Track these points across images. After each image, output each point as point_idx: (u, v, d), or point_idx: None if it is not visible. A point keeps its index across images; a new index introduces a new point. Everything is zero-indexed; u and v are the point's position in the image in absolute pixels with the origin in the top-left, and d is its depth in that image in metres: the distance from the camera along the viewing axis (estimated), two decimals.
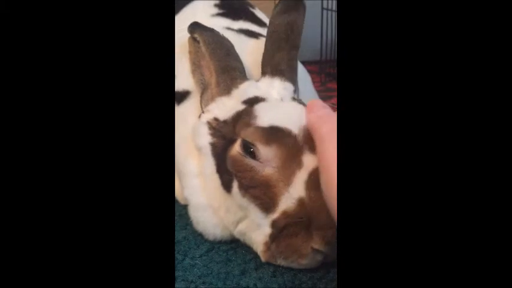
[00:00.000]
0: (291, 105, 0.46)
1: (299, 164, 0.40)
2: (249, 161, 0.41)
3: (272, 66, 0.48)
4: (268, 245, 0.41)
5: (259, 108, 0.44)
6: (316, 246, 0.39)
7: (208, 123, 0.46)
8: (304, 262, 0.40)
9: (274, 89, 0.47)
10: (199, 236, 0.48)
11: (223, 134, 0.44)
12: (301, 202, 0.39)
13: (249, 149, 0.41)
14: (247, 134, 0.42)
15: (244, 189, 0.41)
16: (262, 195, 0.40)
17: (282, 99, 0.46)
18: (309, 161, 0.40)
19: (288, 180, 0.40)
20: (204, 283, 0.41)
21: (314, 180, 0.38)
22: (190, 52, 0.52)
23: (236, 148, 0.42)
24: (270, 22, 0.51)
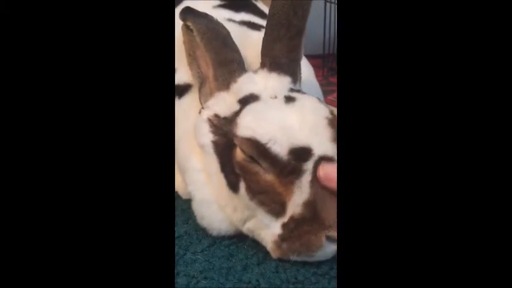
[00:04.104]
0: (279, 108, 0.42)
1: (298, 173, 0.39)
2: (254, 166, 0.40)
3: (271, 58, 0.46)
4: (278, 244, 0.41)
5: (244, 114, 0.42)
6: (330, 233, 0.39)
7: (209, 120, 0.45)
8: (318, 254, 0.40)
9: (269, 84, 0.45)
10: (200, 231, 0.47)
11: (225, 132, 0.43)
12: (306, 204, 0.39)
13: (250, 156, 0.40)
14: (239, 143, 0.41)
15: (252, 193, 0.41)
16: (270, 201, 0.40)
17: (275, 97, 0.44)
18: (309, 164, 0.39)
19: (288, 189, 0.39)
20: (205, 278, 0.40)
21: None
22: (184, 42, 0.49)
23: (240, 154, 0.41)
24: (272, 1, 0.46)
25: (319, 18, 1.56)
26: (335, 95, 1.36)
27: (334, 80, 1.57)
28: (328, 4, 1.56)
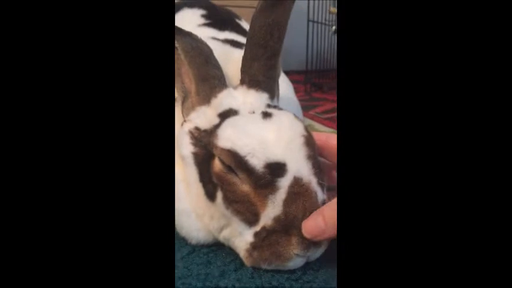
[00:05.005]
0: (257, 122, 0.45)
1: (272, 188, 0.41)
2: (231, 177, 0.43)
3: (250, 75, 0.49)
4: (249, 252, 0.43)
5: (224, 127, 0.44)
6: (296, 251, 0.41)
7: (190, 132, 0.48)
8: (289, 264, 0.42)
9: (248, 99, 0.48)
10: (180, 239, 0.49)
11: (205, 144, 0.46)
12: (277, 219, 0.41)
13: (229, 167, 0.43)
14: (219, 154, 0.43)
15: (228, 202, 0.43)
16: (245, 210, 0.43)
17: (253, 112, 0.47)
18: (284, 181, 0.41)
19: (262, 202, 0.42)
20: (183, 284, 0.42)
21: (292, 198, 0.41)
22: None
23: (218, 165, 0.44)
24: (252, 22, 0.49)
25: (302, 37, 1.62)
26: (317, 109, 1.41)
27: (317, 95, 1.62)
28: (310, 23, 1.63)
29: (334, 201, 0.41)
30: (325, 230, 0.40)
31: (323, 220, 0.40)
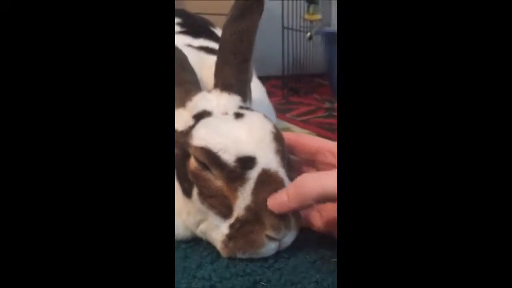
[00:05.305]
0: (230, 122, 0.48)
1: (242, 180, 0.45)
2: (206, 173, 0.46)
3: (222, 80, 0.52)
4: (225, 243, 0.46)
5: (198, 127, 0.48)
6: (268, 233, 0.44)
7: None
8: (262, 251, 0.45)
9: (221, 102, 0.51)
10: None
11: (181, 144, 0.49)
12: (248, 208, 0.45)
13: (203, 164, 0.46)
14: (194, 152, 0.46)
15: (204, 197, 0.46)
16: (219, 204, 0.46)
17: (226, 113, 0.50)
18: (253, 173, 0.45)
19: (234, 194, 0.45)
20: None
21: (260, 187, 0.45)
22: None
23: (193, 163, 0.47)
24: (223, 29, 0.52)
25: (278, 43, 1.68)
26: (293, 112, 1.46)
27: (294, 99, 1.67)
28: (285, 30, 1.68)
29: (295, 181, 0.45)
30: (287, 203, 0.44)
31: (286, 195, 0.44)
